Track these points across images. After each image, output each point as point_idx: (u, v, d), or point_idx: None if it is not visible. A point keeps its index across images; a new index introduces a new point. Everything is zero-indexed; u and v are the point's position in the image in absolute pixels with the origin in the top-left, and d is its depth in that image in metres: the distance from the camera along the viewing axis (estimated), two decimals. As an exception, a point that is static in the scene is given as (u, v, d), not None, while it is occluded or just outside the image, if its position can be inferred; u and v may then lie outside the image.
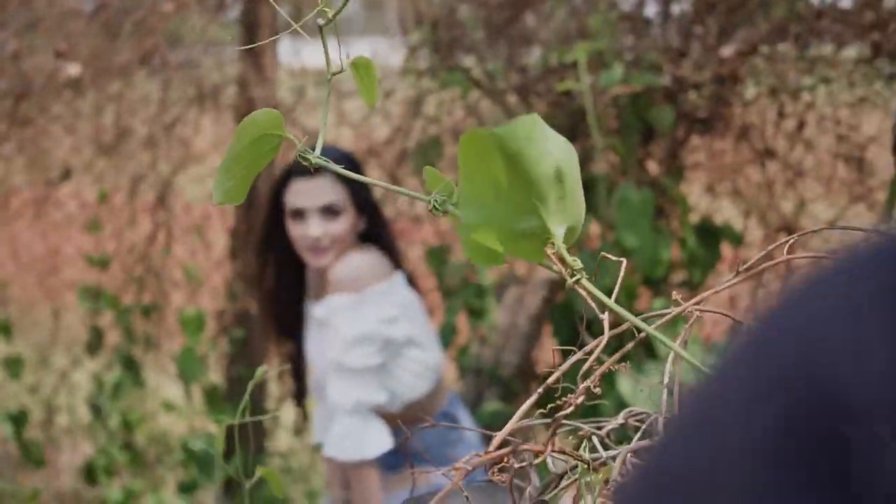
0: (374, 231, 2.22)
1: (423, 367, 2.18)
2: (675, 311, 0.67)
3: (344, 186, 2.14)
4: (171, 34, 3.48)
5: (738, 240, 2.54)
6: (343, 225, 2.13)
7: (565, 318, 2.65)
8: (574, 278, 0.60)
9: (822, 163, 2.48)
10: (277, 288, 2.31)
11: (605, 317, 0.62)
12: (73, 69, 3.58)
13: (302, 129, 3.19)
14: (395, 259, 2.23)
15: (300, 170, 2.16)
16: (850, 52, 2.38)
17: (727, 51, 2.34)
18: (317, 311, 2.17)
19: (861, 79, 2.37)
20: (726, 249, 2.60)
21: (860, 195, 2.43)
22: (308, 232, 2.11)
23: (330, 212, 2.11)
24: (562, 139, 0.59)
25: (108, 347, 3.77)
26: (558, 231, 0.59)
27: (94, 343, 3.80)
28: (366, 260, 2.13)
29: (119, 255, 3.68)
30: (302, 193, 2.13)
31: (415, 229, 3.07)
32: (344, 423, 2.03)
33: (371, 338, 2.03)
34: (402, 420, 2.19)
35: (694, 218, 2.57)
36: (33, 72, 4.01)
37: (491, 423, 2.56)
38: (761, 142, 2.47)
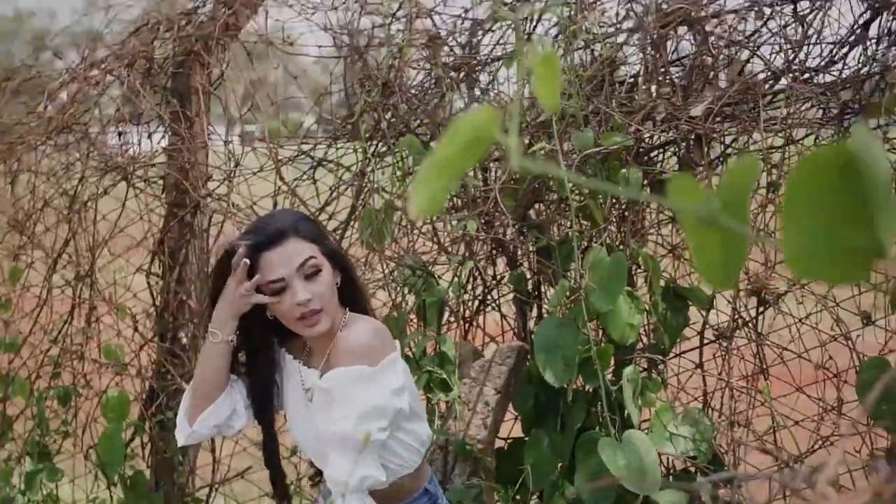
0: (351, 294, 2.07)
1: (418, 440, 2.03)
2: None
3: (312, 243, 2.00)
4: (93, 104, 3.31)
5: (707, 302, 2.50)
6: (326, 282, 1.97)
7: (529, 384, 2.54)
8: None
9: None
10: (254, 373, 2.13)
11: None
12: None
13: (244, 197, 3.05)
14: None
15: (264, 241, 1.99)
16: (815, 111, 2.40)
17: (696, 111, 2.33)
18: (320, 381, 1.98)
19: (829, 138, 2.38)
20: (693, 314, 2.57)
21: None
22: (296, 299, 1.94)
23: (310, 271, 1.96)
24: (885, 152, 0.54)
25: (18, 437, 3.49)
26: (889, 245, 0.55)
27: (2, 432, 3.53)
28: (377, 328, 1.98)
29: (32, 336, 3.43)
30: (276, 263, 1.96)
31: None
32: (345, 503, 1.86)
33: (384, 410, 1.87)
34: (385, 497, 2.04)
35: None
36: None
37: (462, 500, 2.43)
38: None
